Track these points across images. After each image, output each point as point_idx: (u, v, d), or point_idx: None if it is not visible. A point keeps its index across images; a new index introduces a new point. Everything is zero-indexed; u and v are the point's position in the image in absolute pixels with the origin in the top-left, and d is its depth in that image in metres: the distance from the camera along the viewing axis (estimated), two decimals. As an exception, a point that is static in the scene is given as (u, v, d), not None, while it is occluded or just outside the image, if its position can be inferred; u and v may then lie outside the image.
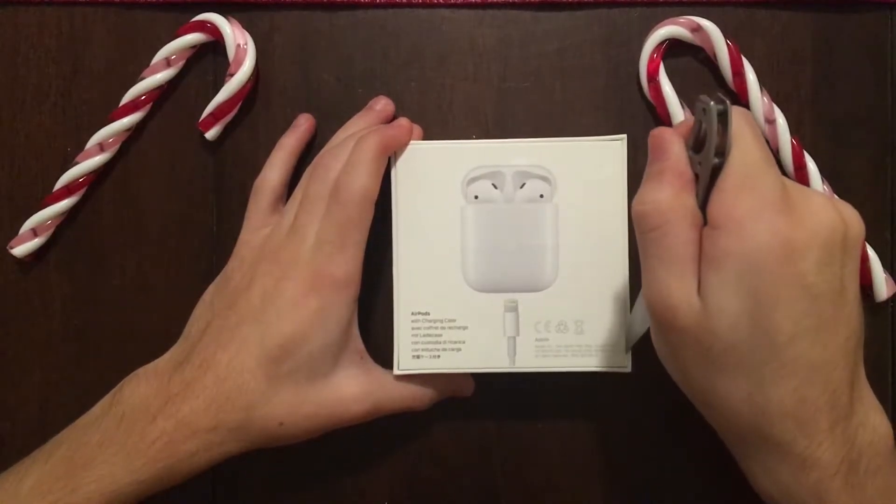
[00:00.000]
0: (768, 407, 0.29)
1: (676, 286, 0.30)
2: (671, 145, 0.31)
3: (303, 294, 0.35)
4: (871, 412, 0.31)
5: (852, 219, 0.30)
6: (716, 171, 0.30)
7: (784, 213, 0.28)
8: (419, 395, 0.38)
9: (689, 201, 0.30)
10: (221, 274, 0.38)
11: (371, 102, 0.40)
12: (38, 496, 0.32)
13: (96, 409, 0.35)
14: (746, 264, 0.28)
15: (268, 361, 0.34)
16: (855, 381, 0.30)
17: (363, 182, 0.35)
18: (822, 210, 0.29)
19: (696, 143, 0.31)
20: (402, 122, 0.38)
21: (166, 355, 0.37)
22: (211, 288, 0.39)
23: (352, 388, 0.36)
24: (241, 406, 0.34)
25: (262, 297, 0.35)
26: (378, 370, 0.38)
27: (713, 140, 0.29)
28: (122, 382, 0.36)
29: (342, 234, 0.35)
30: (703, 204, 0.30)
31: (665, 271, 0.30)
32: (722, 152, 0.29)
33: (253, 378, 0.34)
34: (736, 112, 0.30)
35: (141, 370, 0.36)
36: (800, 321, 0.28)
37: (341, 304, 0.35)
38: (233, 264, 0.38)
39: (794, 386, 0.29)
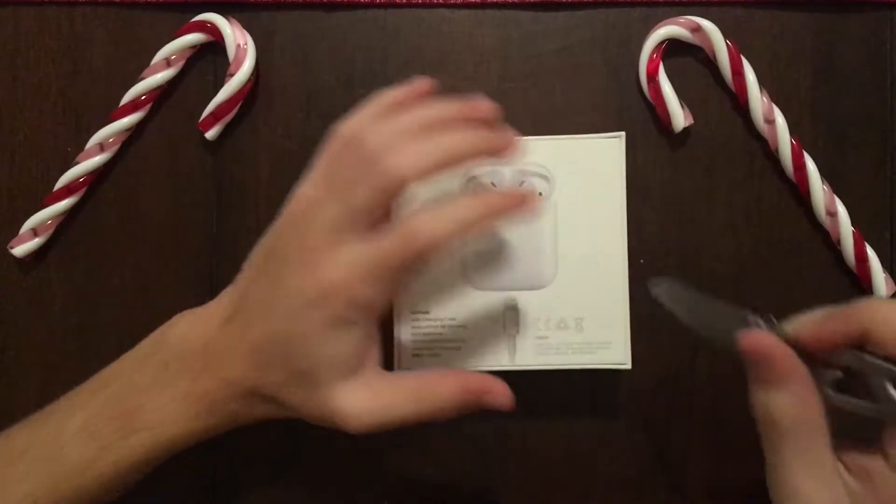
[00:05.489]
0: None
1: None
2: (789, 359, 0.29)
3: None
4: None
5: None
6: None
7: None
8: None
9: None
10: (274, 228, 0.34)
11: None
12: (86, 438, 0.32)
13: (145, 346, 0.35)
14: None
15: (310, 309, 0.31)
16: None
17: (437, 231, 0.31)
18: None
19: (840, 383, 0.30)
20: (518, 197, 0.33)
21: (214, 302, 0.35)
22: (266, 239, 0.34)
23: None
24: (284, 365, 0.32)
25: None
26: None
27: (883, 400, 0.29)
28: (168, 323, 0.35)
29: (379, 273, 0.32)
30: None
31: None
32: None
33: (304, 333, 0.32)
34: None
35: (189, 314, 0.35)
36: None
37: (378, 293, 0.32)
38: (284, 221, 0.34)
39: None
